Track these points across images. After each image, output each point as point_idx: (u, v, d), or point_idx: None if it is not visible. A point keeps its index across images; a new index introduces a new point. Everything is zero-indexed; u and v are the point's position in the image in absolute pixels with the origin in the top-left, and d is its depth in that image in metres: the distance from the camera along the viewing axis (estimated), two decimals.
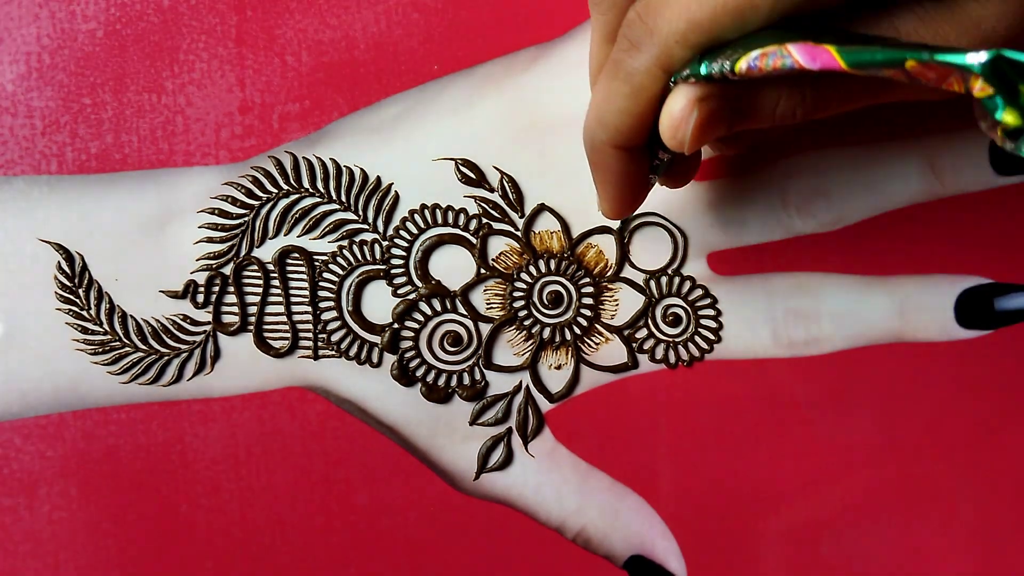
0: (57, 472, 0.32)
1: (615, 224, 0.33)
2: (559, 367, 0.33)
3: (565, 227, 0.33)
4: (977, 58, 0.18)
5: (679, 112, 0.23)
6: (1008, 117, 0.18)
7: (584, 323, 0.33)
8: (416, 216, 0.33)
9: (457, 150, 0.33)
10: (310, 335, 0.33)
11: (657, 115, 0.24)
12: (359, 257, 0.33)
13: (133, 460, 0.32)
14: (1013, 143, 0.19)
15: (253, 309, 0.33)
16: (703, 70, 0.22)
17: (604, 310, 0.33)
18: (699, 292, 0.33)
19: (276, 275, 0.33)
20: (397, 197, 0.33)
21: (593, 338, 0.33)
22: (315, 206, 0.33)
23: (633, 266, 0.33)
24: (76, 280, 0.32)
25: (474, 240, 0.33)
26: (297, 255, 0.33)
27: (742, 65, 0.22)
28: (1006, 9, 0.22)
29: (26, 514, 0.32)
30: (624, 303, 0.33)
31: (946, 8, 0.22)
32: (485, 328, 0.33)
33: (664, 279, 0.33)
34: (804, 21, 0.22)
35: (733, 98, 0.23)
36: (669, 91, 0.23)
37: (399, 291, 0.33)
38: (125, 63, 0.32)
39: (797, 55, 0.21)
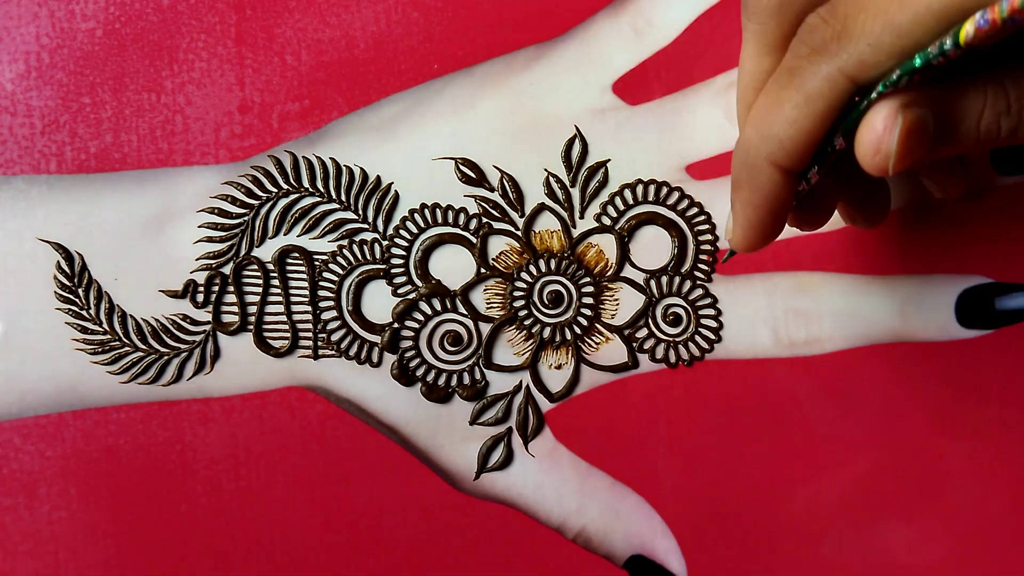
0: (57, 472, 0.32)
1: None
2: (559, 367, 0.33)
3: (565, 226, 0.33)
4: None
5: (883, 122, 0.21)
6: None
7: (584, 323, 0.33)
8: (416, 215, 0.33)
9: (457, 149, 0.33)
10: (310, 335, 0.33)
11: (823, 134, 0.23)
12: (359, 257, 0.33)
13: (133, 460, 0.32)
14: None
15: (253, 309, 0.33)
16: (917, 61, 0.21)
17: (604, 310, 0.33)
18: (699, 292, 0.33)
19: (276, 275, 0.33)
20: (397, 196, 0.33)
21: (593, 338, 0.33)
22: (315, 205, 0.33)
23: (633, 265, 0.33)
24: (76, 280, 0.32)
25: (474, 240, 0.33)
26: (297, 255, 0.33)
27: (968, 29, 0.19)
28: None
29: (26, 514, 0.32)
30: (624, 303, 0.33)
31: None
32: (485, 328, 0.33)
33: (664, 279, 0.33)
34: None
35: (936, 105, 0.21)
36: (852, 107, 0.22)
37: (399, 291, 0.33)
38: (124, 62, 0.32)
39: None
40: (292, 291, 0.33)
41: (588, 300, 0.33)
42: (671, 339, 0.33)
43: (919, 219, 0.34)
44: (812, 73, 0.22)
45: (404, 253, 0.33)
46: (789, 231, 0.33)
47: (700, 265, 0.33)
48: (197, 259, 0.32)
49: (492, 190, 0.33)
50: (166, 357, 0.32)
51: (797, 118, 0.23)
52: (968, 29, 0.19)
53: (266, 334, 0.33)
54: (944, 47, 0.20)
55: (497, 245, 0.33)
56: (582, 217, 0.33)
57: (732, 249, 0.27)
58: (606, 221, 0.33)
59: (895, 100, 0.21)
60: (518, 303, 0.33)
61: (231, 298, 0.33)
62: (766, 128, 0.23)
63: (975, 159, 0.30)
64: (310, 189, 0.33)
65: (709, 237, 0.33)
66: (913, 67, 0.21)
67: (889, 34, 0.21)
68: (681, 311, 0.33)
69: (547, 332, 0.33)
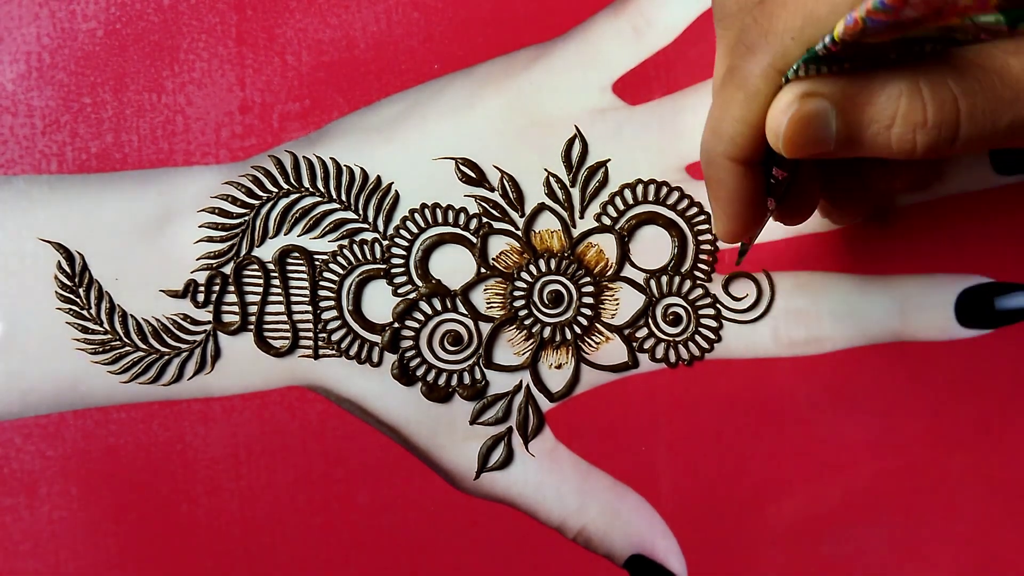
0: (57, 472, 0.32)
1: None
2: (559, 366, 0.33)
3: (565, 226, 0.33)
4: None
5: (782, 105, 0.22)
6: None
7: (584, 322, 0.33)
8: (416, 215, 0.33)
9: (457, 149, 0.33)
10: (310, 334, 0.33)
11: None
12: (359, 256, 0.33)
13: (133, 460, 0.32)
14: None
15: (253, 308, 0.33)
16: (807, 55, 0.21)
17: (604, 309, 0.33)
18: (699, 292, 0.33)
19: (276, 274, 0.33)
20: (397, 196, 0.33)
21: (593, 337, 0.33)
22: (315, 205, 0.33)
23: (633, 265, 0.33)
24: (76, 280, 0.32)
25: (474, 239, 0.33)
26: (297, 254, 0.33)
27: (839, 27, 0.20)
28: None
29: (26, 514, 0.32)
30: (624, 302, 0.33)
31: None
32: (485, 327, 0.33)
33: (664, 278, 0.33)
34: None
35: (842, 100, 0.22)
36: None
37: (399, 290, 0.33)
38: (125, 63, 0.32)
39: None
40: (292, 291, 0.33)
41: (588, 300, 0.33)
42: (671, 339, 0.33)
43: (919, 219, 0.34)
44: (748, 71, 0.23)
45: (404, 253, 0.33)
46: (788, 231, 0.33)
47: (700, 265, 0.33)
48: (198, 259, 0.32)
49: (492, 190, 0.33)
50: (167, 357, 0.32)
51: (742, 115, 0.24)
52: (839, 27, 0.20)
53: (267, 334, 0.33)
54: (824, 42, 0.21)
55: (497, 245, 0.33)
56: (582, 217, 0.33)
57: (720, 240, 0.29)
58: (606, 221, 0.33)
59: (799, 87, 0.22)
60: (518, 303, 0.33)
61: (232, 298, 0.33)
62: (718, 127, 0.24)
63: (872, 183, 0.30)
64: (310, 189, 0.33)
65: (709, 237, 0.33)
66: (806, 59, 0.22)
67: (810, 26, 0.21)
68: (681, 311, 0.33)
69: (547, 332, 0.33)
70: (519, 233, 0.33)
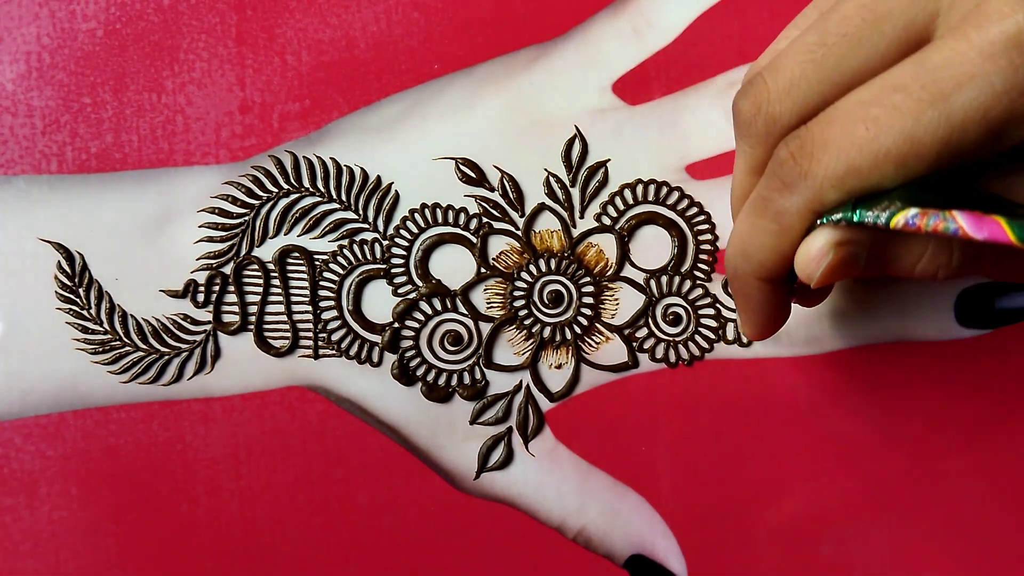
0: (57, 472, 0.32)
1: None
2: (559, 366, 0.33)
3: (565, 226, 0.33)
4: None
5: (815, 251, 0.23)
6: None
7: (584, 322, 0.33)
8: (416, 215, 0.33)
9: (457, 149, 0.33)
10: (310, 334, 0.33)
11: (795, 251, 0.24)
12: (359, 256, 0.33)
13: (133, 460, 0.32)
14: None
15: (253, 308, 0.33)
16: (855, 218, 0.22)
17: (604, 309, 0.33)
18: (699, 292, 0.33)
19: (276, 274, 0.33)
20: (397, 196, 0.33)
21: (593, 337, 0.33)
22: (315, 205, 0.33)
23: (633, 265, 0.33)
24: (76, 280, 0.32)
25: (474, 239, 0.33)
26: (297, 254, 0.33)
27: (899, 220, 0.22)
28: None
29: (26, 514, 0.32)
30: (624, 302, 0.33)
31: None
32: (485, 327, 0.33)
33: (664, 278, 0.33)
34: (945, 176, 0.22)
35: (873, 246, 0.23)
36: (813, 227, 0.24)
37: (399, 290, 0.33)
38: (125, 63, 0.32)
39: (963, 222, 0.20)
40: (292, 291, 0.33)
41: (588, 300, 0.33)
42: (671, 339, 0.33)
43: None
44: (783, 207, 0.24)
45: (404, 253, 0.33)
46: None
47: (700, 265, 0.33)
48: (198, 259, 0.32)
49: (492, 190, 0.33)
50: (167, 357, 0.32)
51: (772, 244, 0.25)
52: (899, 219, 0.22)
53: (267, 334, 0.33)
54: (877, 220, 0.22)
55: (497, 245, 0.33)
56: (582, 217, 0.33)
57: (748, 338, 0.32)
58: (606, 221, 0.33)
59: (833, 234, 0.23)
60: (518, 303, 0.33)
61: (232, 298, 0.33)
62: (747, 251, 0.26)
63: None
64: (310, 189, 0.33)
65: (709, 237, 0.33)
66: (849, 218, 0.23)
67: (851, 177, 0.22)
68: (681, 311, 0.33)
69: (547, 332, 0.33)
70: (519, 233, 0.33)
